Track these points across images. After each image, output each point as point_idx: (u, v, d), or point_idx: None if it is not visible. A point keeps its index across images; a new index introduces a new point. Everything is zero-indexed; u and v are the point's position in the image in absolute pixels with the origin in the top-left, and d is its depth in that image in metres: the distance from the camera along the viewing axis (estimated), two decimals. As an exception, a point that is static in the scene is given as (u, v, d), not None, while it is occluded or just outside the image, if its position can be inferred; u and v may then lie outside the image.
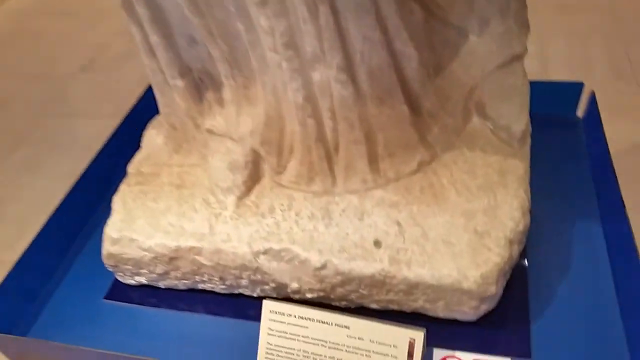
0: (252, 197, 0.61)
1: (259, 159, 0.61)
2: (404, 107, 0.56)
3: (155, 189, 0.65)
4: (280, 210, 0.60)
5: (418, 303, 0.57)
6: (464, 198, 0.58)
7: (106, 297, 0.68)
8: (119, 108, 0.96)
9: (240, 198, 0.61)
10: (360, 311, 0.61)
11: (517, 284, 0.63)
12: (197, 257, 0.60)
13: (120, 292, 0.68)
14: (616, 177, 0.69)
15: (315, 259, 0.56)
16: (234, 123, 0.59)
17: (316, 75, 0.52)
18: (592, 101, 0.81)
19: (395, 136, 0.58)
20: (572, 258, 0.66)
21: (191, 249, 0.60)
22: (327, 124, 0.56)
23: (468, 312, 0.57)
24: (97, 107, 1.16)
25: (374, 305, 0.60)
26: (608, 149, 0.72)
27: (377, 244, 0.56)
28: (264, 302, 0.57)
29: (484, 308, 0.56)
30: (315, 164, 0.59)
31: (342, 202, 0.59)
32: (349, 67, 0.51)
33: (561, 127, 0.83)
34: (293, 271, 0.59)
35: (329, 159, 0.59)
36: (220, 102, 0.60)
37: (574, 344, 0.58)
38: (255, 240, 0.59)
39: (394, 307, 0.59)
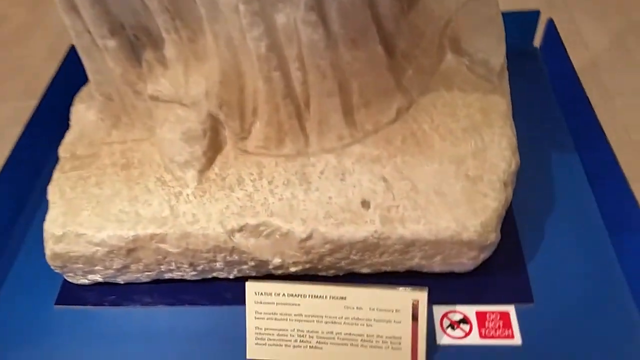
0: (215, 169, 0.54)
1: (218, 124, 0.53)
2: (379, 47, 0.49)
3: (97, 173, 0.56)
4: (250, 180, 0.53)
5: (414, 261, 0.53)
6: (449, 143, 0.53)
7: (57, 303, 0.59)
8: (29, 86, 0.83)
9: (202, 172, 0.53)
10: (350, 278, 0.56)
11: (505, 227, 0.60)
12: (161, 245, 0.52)
13: (72, 294, 0.60)
14: (588, 99, 0.67)
15: (299, 230, 0.50)
16: (183, 85, 0.51)
17: (281, 18, 0.44)
18: (550, 29, 0.78)
19: (370, 83, 0.52)
20: (554, 190, 0.64)
21: (152, 236, 0.52)
22: (296, 75, 0.48)
23: (466, 263, 0.53)
24: (1, 89, 1.01)
25: (365, 270, 0.55)
26: (575, 73, 0.69)
27: (365, 204, 0.51)
28: (247, 284, 0.51)
29: (483, 257, 0.53)
30: (284, 123, 0.52)
31: (319, 163, 0.53)
32: (318, 5, 0.44)
33: (520, 58, 0.80)
34: (274, 246, 0.52)
35: (299, 116, 0.52)
36: (163, 61, 0.51)
37: (572, 280, 0.56)
38: (227, 217, 0.51)
39: (387, 268, 0.55)
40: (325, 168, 0.53)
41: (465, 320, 0.54)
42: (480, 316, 0.54)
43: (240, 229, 0.51)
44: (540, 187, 0.64)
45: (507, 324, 0.53)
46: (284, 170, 0.53)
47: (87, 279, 0.58)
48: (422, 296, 0.49)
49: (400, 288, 0.50)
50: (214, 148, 0.54)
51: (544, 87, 0.75)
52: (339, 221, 0.50)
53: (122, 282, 0.58)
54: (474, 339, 0.53)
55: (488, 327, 0.53)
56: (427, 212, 0.50)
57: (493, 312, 0.54)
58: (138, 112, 0.56)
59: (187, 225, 0.52)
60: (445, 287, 0.54)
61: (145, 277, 0.57)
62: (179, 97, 0.51)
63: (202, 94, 0.51)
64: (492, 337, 0.53)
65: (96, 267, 0.55)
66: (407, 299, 0.50)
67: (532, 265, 0.57)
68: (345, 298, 0.50)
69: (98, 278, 0.58)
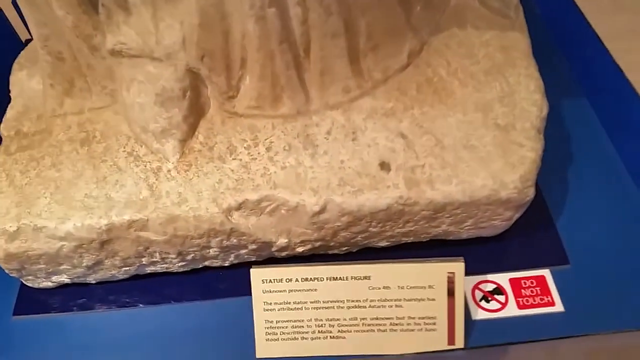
0: (200, 137, 0.44)
1: (199, 82, 0.44)
2: (391, -25, 0.41)
3: (51, 152, 0.46)
4: (244, 147, 0.44)
5: (440, 228, 0.46)
6: (472, 88, 0.46)
7: (16, 313, 0.49)
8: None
9: (184, 141, 0.44)
10: (364, 254, 0.49)
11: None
12: (142, 234, 0.43)
13: (33, 301, 0.50)
14: (597, 36, 0.61)
15: (311, 202, 0.42)
16: (152, 33, 0.41)
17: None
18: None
19: (380, 20, 0.43)
20: (570, 142, 0.58)
21: (131, 223, 0.43)
22: (295, 12, 0.40)
23: (498, 225, 0.46)
24: None
25: (382, 243, 0.48)
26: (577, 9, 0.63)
27: (384, 166, 0.43)
28: (253, 271, 0.42)
29: (516, 217, 0.46)
30: (279, 76, 0.43)
31: (324, 123, 0.45)
32: None
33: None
34: (280, 224, 0.44)
35: (298, 66, 0.43)
36: (124, 5, 0.41)
37: (604, 235, 0.51)
38: (222, 193, 0.43)
39: (408, 239, 0.47)
40: (332, 128, 0.44)
41: (499, 290, 0.48)
42: (515, 284, 0.48)
43: (239, 207, 0.43)
44: (556, 139, 0.58)
45: (545, 290, 0.48)
46: (283, 134, 0.44)
47: (50, 281, 0.48)
48: (458, 268, 0.42)
49: (433, 260, 0.43)
50: (196, 112, 0.44)
51: (541, 32, 0.69)
52: (357, 188, 0.42)
53: (93, 282, 0.49)
54: (512, 310, 0.47)
55: (525, 296, 0.47)
56: (458, 169, 0.42)
57: (528, 278, 0.48)
58: (96, 73, 0.45)
59: (173, 207, 0.42)
60: (472, 255, 0.47)
61: (122, 273, 0.48)
62: (149, 50, 0.41)
63: (178, 44, 0.41)
64: (532, 305, 0.47)
65: (62, 266, 0.46)
66: (441, 272, 0.43)
67: (560, 224, 0.51)
68: (369, 277, 0.43)
69: (64, 279, 0.48)
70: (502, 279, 0.48)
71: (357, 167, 0.43)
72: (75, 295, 0.50)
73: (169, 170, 0.43)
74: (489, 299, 0.47)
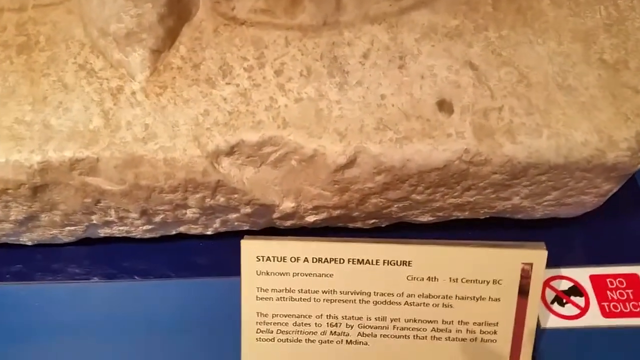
0: (182, 49, 0.31)
1: (185, -33, 0.30)
2: None
3: (-25, 60, 0.32)
4: (244, 69, 0.31)
5: (510, 202, 0.33)
6: (568, 10, 0.33)
7: None
8: None
9: (158, 52, 0.31)
10: (396, 231, 0.36)
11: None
12: (90, 179, 0.30)
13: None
14: None
15: (335, 151, 0.29)
16: None
17: None
18: None
19: None
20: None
21: (74, 164, 0.30)
22: None
23: (588, 202, 0.34)
24: None
25: (424, 218, 0.35)
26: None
27: (444, 106, 0.30)
28: (244, 242, 0.30)
29: (613, 191, 0.33)
30: (302, -35, 0.29)
31: (360, 41, 0.31)
32: None
33: None
34: (288, 180, 0.31)
35: (330, -48, 0.29)
36: None
37: None
38: (208, 130, 0.29)
39: (462, 214, 0.35)
40: (370, 49, 0.31)
41: (577, 289, 0.35)
42: (598, 283, 0.36)
43: (231, 151, 0.30)
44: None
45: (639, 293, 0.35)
46: (301, 53, 0.31)
47: (-31, 239, 0.35)
48: (538, 257, 0.30)
49: (505, 245, 0.30)
50: (178, 12, 0.31)
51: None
52: (403, 135, 0.29)
53: (30, 244, 0.36)
54: (594, 318, 0.35)
55: (612, 299, 0.35)
56: (551, 117, 0.29)
57: (616, 276, 0.36)
58: (40, -52, 0.32)
59: (136, 145, 0.29)
60: (544, 242, 0.35)
61: (67, 234, 0.35)
62: None
63: None
64: (621, 314, 0.34)
65: (-20, 220, 0.33)
66: (513, 262, 0.30)
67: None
68: (409, 263, 0.30)
69: (-12, 237, 0.35)
70: (582, 275, 0.36)
71: (405, 106, 0.30)
72: (8, 260, 0.38)
73: (133, 93, 0.30)
74: (564, 301, 0.35)
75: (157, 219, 0.33)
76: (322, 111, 0.30)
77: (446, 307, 0.31)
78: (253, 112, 0.30)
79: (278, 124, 0.30)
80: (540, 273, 0.30)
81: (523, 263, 0.30)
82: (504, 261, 0.30)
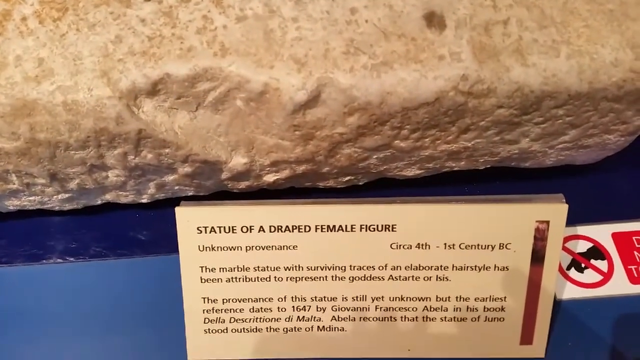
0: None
1: None
2: None
3: None
4: (169, -22, 0.23)
5: (518, 145, 0.26)
6: None
7: None
8: None
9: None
10: (376, 189, 0.29)
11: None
12: (-30, 135, 0.23)
13: None
14: None
15: (292, 84, 0.22)
16: None
17: None
18: None
19: None
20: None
21: (-55, 115, 0.22)
22: None
23: (613, 143, 0.27)
24: None
25: (411, 171, 0.28)
26: None
27: (433, 19, 0.23)
28: (179, 209, 0.23)
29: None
30: None
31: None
32: None
33: None
34: (234, 126, 0.24)
35: None
36: None
37: None
38: (122, 62, 0.22)
39: (456, 166, 0.28)
40: (334, -51, 0.23)
41: (599, 251, 0.29)
42: (623, 242, 0.30)
43: (154, 90, 0.22)
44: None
45: (671, 253, 0.29)
46: (244, -43, 0.23)
47: None
48: (557, 213, 0.23)
49: (514, 198, 0.23)
50: None
51: None
52: (381, 60, 0.22)
53: None
54: (619, 286, 0.29)
55: (640, 262, 0.29)
56: (570, 31, 0.22)
57: (643, 233, 0.30)
58: None
59: (27, 85, 0.22)
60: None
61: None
62: None
63: None
64: (650, 279, 0.28)
65: None
66: (526, 219, 0.23)
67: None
68: (393, 228, 0.24)
69: None
70: (603, 233, 0.30)
71: (383, 22, 0.23)
72: None
73: (23, 19, 0.23)
74: (583, 266, 0.29)
75: (72, 184, 0.26)
76: (274, 32, 0.23)
77: (441, 280, 0.24)
78: (181, 36, 0.23)
79: (215, 50, 0.22)
80: (559, 233, 0.24)
81: (537, 221, 0.24)
82: (513, 220, 0.23)
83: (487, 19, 0.23)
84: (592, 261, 0.29)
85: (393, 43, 0.23)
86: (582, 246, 0.29)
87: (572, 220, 0.29)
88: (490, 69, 0.22)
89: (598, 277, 0.29)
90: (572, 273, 0.29)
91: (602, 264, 0.29)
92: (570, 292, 0.28)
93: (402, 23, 0.23)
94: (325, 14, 0.23)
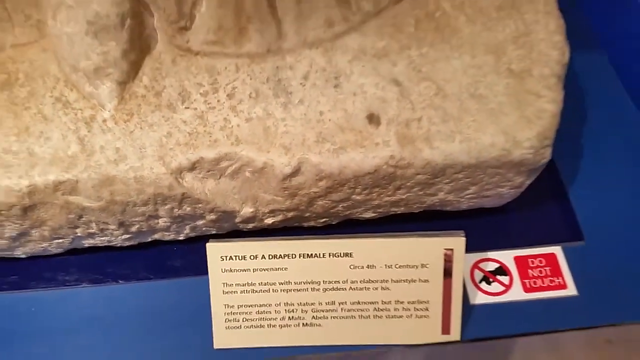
0: (144, 80, 0.36)
1: (142, 7, 0.35)
2: None
3: (-37, 97, 0.37)
4: (200, 94, 0.35)
5: (437, 197, 0.38)
6: (481, 26, 0.38)
7: None
8: None
9: (124, 84, 0.35)
10: (345, 228, 0.41)
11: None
12: (72, 198, 0.35)
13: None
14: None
15: (282, 162, 0.34)
16: (82, -55, 0.32)
17: None
18: None
19: None
20: (588, 107, 0.50)
21: (57, 185, 0.34)
22: None
23: (506, 194, 0.39)
24: None
25: (368, 215, 0.40)
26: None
27: (373, 119, 0.35)
28: (209, 245, 0.35)
29: (527, 184, 0.39)
30: (245, 2, 0.34)
31: (300, 65, 0.36)
32: None
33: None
34: (244, 189, 0.36)
35: (269, -10, 0.34)
36: None
37: (622, 210, 0.44)
38: (171, 150, 0.34)
39: (398, 210, 0.40)
40: (309, 71, 0.36)
41: (502, 269, 0.41)
42: (521, 263, 0.41)
43: (193, 167, 0.34)
44: (571, 98, 0.50)
45: (556, 270, 0.41)
46: (250, 77, 0.36)
47: (-31, 254, 0.40)
48: (457, 243, 0.35)
49: (427, 234, 0.35)
50: (140, 47, 0.35)
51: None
52: (339, 146, 0.34)
53: (24, 256, 0.41)
54: (517, 294, 0.40)
55: (533, 277, 0.41)
56: (463, 124, 0.35)
57: (536, 256, 0.41)
58: (15, -3, 0.36)
59: (109, 166, 0.34)
60: (472, 229, 0.40)
61: (55, 246, 0.40)
62: (76, -36, 0.32)
63: (113, -45, 0.32)
64: (540, 288, 0.40)
65: (-22, 237, 0.37)
66: (437, 248, 0.35)
67: (573, 195, 0.44)
68: (351, 254, 0.35)
69: (-14, 252, 0.40)
70: (506, 257, 0.41)
71: (340, 120, 0.35)
72: (4, 272, 0.42)
73: (104, 120, 0.35)
74: (491, 280, 0.40)
75: (134, 229, 0.38)
76: (269, 128, 0.35)
77: (384, 289, 0.36)
78: (210, 132, 0.35)
79: (232, 141, 0.35)
80: (460, 257, 0.35)
81: (445, 249, 0.35)
82: (430, 248, 0.35)
83: (408, 117, 0.35)
84: (498, 276, 0.41)
85: (347, 134, 0.35)
86: (491, 266, 0.41)
87: (484, 247, 0.41)
88: (409, 150, 0.34)
89: (501, 288, 0.40)
90: (483, 285, 0.40)
91: (505, 279, 0.41)
92: (481, 299, 0.40)
93: (352, 121, 0.35)
94: (303, 116, 0.35)
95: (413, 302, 0.36)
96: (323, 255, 0.35)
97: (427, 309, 0.36)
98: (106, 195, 0.35)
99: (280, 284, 0.36)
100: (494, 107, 0.35)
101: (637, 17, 0.50)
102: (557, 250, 0.42)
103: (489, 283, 0.40)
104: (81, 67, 0.35)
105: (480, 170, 0.36)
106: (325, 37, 0.37)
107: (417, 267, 0.35)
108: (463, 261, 0.35)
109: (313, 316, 0.37)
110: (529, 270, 0.41)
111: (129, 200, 0.35)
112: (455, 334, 0.36)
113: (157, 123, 0.35)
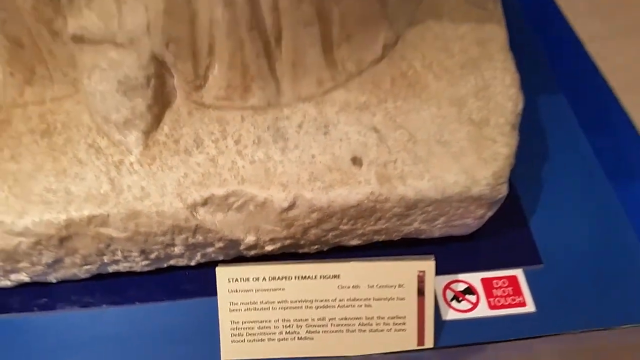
0: (165, 129, 0.43)
1: (165, 70, 0.42)
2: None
3: (10, 144, 0.43)
4: (212, 141, 0.42)
5: (412, 226, 0.45)
6: (446, 82, 0.45)
7: (-29, 313, 0.46)
8: None
9: (148, 133, 0.42)
10: (336, 253, 0.47)
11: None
12: (103, 230, 0.41)
13: (-10, 300, 0.47)
14: (578, 40, 0.60)
15: (280, 198, 0.41)
16: (115, 17, 0.39)
17: None
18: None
19: (353, 8, 0.42)
20: (545, 138, 0.57)
21: (90, 219, 0.41)
22: None
23: (471, 224, 0.46)
24: None
25: (354, 242, 0.46)
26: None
27: (356, 161, 0.42)
28: (218, 269, 0.41)
29: (489, 215, 0.45)
30: (250, 65, 0.41)
31: (295, 116, 0.43)
32: None
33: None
34: (248, 220, 0.42)
35: (269, 54, 0.41)
36: (86, -10, 0.39)
37: (579, 235, 0.50)
38: (187, 188, 0.41)
39: (380, 238, 0.46)
40: (303, 121, 0.43)
41: (470, 290, 0.47)
42: (487, 284, 0.47)
43: (205, 202, 0.41)
44: (531, 136, 0.57)
45: (517, 290, 0.47)
46: (253, 127, 0.43)
47: (9, 279, 0.46)
48: (428, 266, 0.41)
49: (403, 258, 0.42)
50: (162, 101, 0.42)
51: (519, 24, 0.68)
52: (328, 184, 0.41)
53: (54, 281, 0.47)
54: (483, 311, 0.46)
55: (497, 296, 0.47)
56: (430, 165, 0.41)
57: (500, 278, 0.48)
58: (57, 60, 0.43)
59: (135, 202, 0.41)
60: (444, 254, 0.47)
61: (84, 272, 0.46)
62: (111, 35, 0.39)
63: (142, 29, 0.39)
64: (503, 306, 0.46)
65: (20, 264, 0.43)
66: (411, 271, 0.41)
67: (533, 223, 0.51)
68: (338, 276, 0.42)
69: (24, 278, 0.46)
70: (474, 278, 0.47)
71: (328, 162, 0.42)
72: (36, 295, 0.48)
73: (131, 164, 0.42)
74: (460, 299, 0.46)
75: (153, 256, 0.44)
76: (269, 169, 0.42)
77: (367, 307, 0.42)
78: (220, 172, 0.42)
79: (238, 180, 0.41)
80: (431, 278, 0.41)
81: (418, 271, 0.42)
82: (405, 270, 0.41)
83: (385, 160, 0.42)
84: (467, 296, 0.47)
85: (334, 174, 0.41)
86: (461, 286, 0.47)
87: (454, 270, 0.48)
88: (386, 188, 0.41)
89: (469, 306, 0.46)
90: (454, 303, 0.46)
91: (473, 298, 0.47)
92: (452, 315, 0.46)
93: (339, 163, 0.42)
94: (298, 158, 0.42)
95: (392, 317, 0.42)
96: (315, 277, 0.41)
97: (404, 323, 0.42)
98: (132, 227, 0.41)
99: (279, 302, 0.42)
100: (457, 150, 0.42)
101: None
102: (518, 272, 0.48)
103: (459, 301, 0.46)
104: (112, 119, 0.42)
105: (447, 204, 0.42)
106: (316, 93, 0.44)
107: (395, 287, 0.42)
108: (433, 281, 0.41)
109: (307, 330, 0.42)
110: (494, 290, 0.47)
111: (151, 231, 0.41)
112: (428, 344, 0.42)
113: (175, 165, 0.42)
